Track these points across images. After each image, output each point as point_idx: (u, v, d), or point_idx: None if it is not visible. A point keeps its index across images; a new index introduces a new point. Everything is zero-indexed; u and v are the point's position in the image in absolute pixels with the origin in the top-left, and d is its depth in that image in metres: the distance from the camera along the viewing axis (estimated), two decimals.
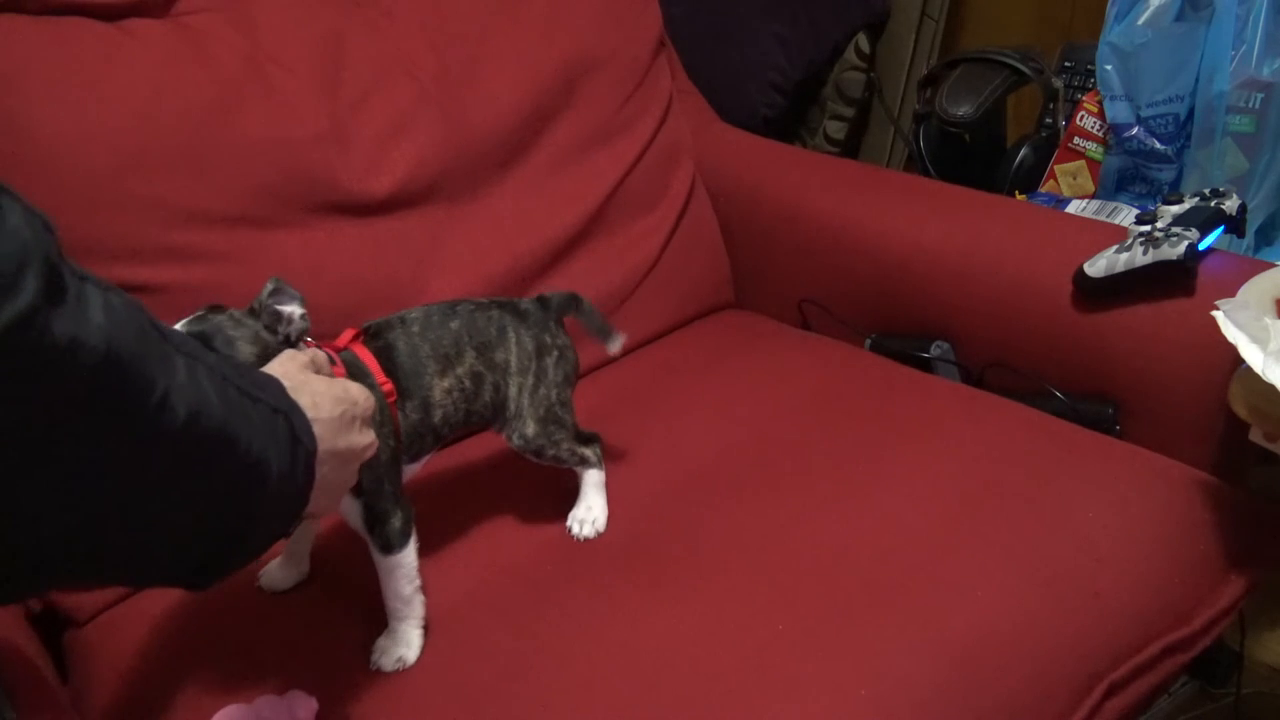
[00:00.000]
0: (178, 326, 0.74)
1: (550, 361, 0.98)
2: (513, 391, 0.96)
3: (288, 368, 0.71)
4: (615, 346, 1.05)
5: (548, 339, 0.99)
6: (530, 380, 0.97)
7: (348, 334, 0.88)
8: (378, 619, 0.89)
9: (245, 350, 0.74)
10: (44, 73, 1.00)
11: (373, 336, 0.89)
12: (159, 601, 0.95)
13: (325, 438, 0.66)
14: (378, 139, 1.17)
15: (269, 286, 0.78)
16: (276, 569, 0.96)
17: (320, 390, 0.68)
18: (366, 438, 0.73)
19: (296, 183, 1.10)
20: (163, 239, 1.03)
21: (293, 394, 0.64)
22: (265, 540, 0.62)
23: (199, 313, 0.75)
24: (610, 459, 1.04)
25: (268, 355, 0.74)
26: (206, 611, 0.93)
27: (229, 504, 0.57)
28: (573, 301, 1.03)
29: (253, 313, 0.77)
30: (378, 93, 1.18)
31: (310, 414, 0.64)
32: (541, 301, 1.01)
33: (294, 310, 0.78)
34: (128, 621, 0.95)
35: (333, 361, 0.82)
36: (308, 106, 1.13)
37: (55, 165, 0.99)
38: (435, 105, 1.22)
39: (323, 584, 0.97)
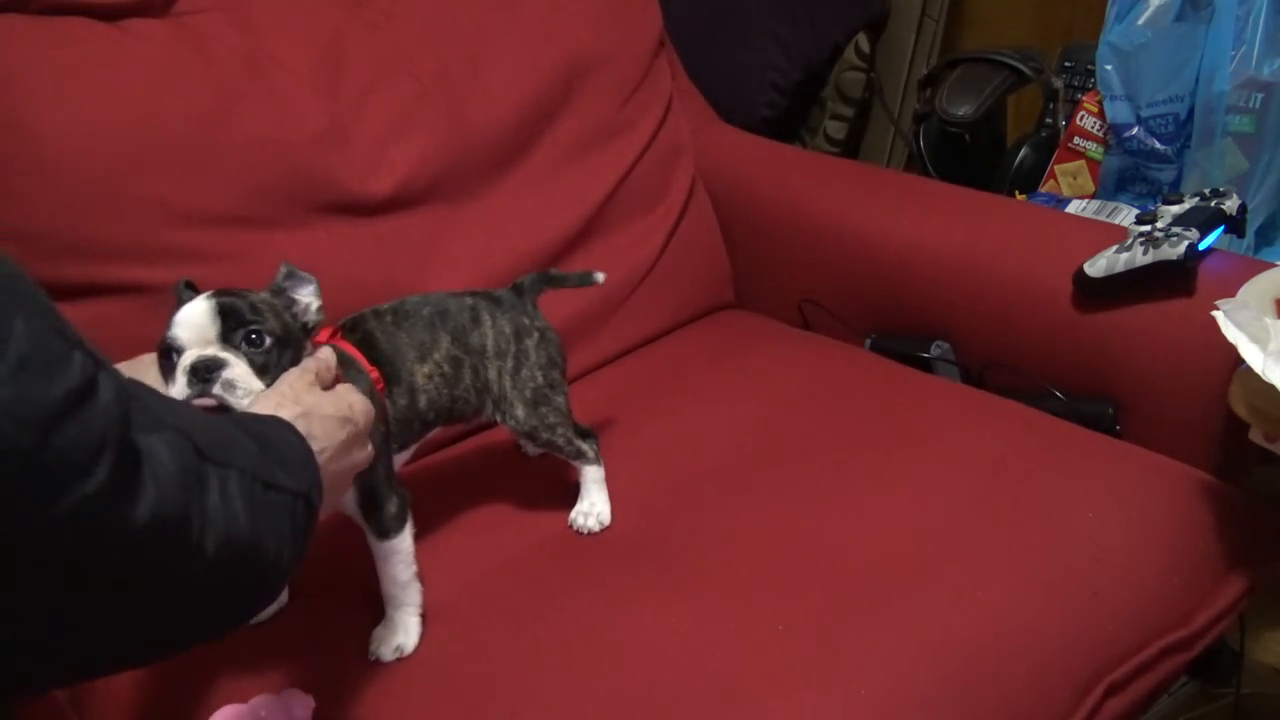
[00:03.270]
0: (204, 297, 0.76)
1: (531, 344, 0.99)
2: (492, 375, 0.97)
3: (297, 389, 0.72)
4: (599, 277, 1.04)
5: (526, 321, 0.99)
6: (510, 363, 0.97)
7: (325, 332, 0.88)
8: (374, 614, 0.89)
9: (272, 324, 0.76)
10: (44, 73, 1.00)
11: (350, 330, 0.91)
12: None
13: (332, 461, 0.69)
14: (378, 139, 1.17)
15: (283, 271, 0.80)
16: None
17: (328, 414, 0.70)
18: (365, 452, 0.75)
19: (296, 183, 1.10)
20: (163, 239, 1.03)
21: (303, 421, 0.67)
22: (266, 604, 0.64)
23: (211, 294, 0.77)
24: (610, 458, 1.04)
25: (290, 337, 0.77)
26: None
27: (245, 598, 0.60)
28: (544, 279, 1.03)
29: (275, 293, 0.80)
30: (378, 93, 1.18)
31: (321, 443, 0.67)
32: (515, 288, 1.02)
33: (310, 301, 0.81)
34: None
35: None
36: (308, 106, 1.13)
37: (55, 165, 0.99)
38: (435, 105, 1.22)
39: (319, 580, 0.97)
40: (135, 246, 1.02)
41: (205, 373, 0.72)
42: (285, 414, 0.68)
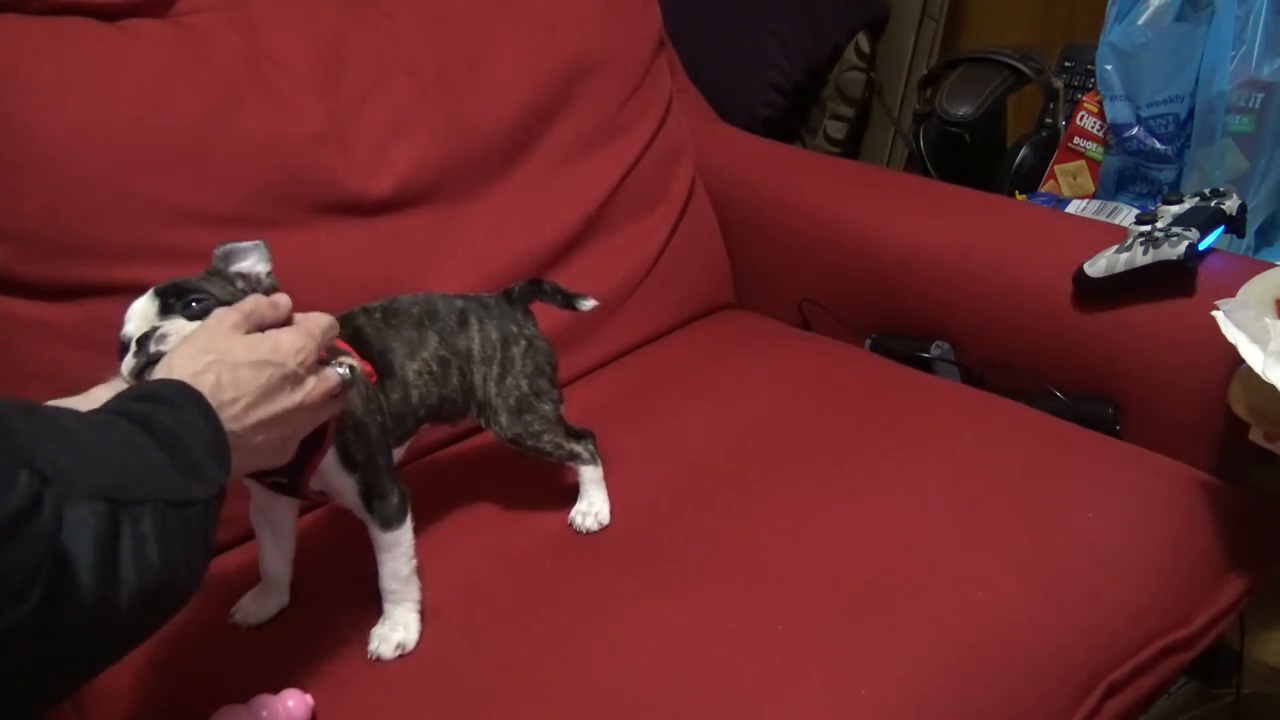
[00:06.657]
0: (149, 296, 0.77)
1: (518, 351, 0.98)
2: (478, 380, 0.97)
3: (213, 334, 0.71)
4: (587, 305, 1.02)
5: (514, 329, 0.99)
6: (496, 370, 0.97)
7: None
8: (374, 612, 0.89)
9: (215, 291, 0.78)
10: (44, 73, 1.00)
11: (340, 325, 0.90)
12: None
13: (252, 409, 0.68)
14: (378, 139, 1.17)
15: (218, 252, 0.81)
16: (250, 602, 0.94)
17: (241, 359, 0.68)
18: (299, 393, 0.72)
19: (296, 183, 1.10)
20: (163, 239, 1.03)
21: (212, 370, 0.67)
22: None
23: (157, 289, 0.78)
24: (609, 458, 1.04)
25: (237, 302, 0.77)
26: (203, 612, 0.93)
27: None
28: (535, 287, 1.02)
29: (213, 274, 0.81)
30: (378, 92, 1.18)
31: (232, 393, 0.67)
32: (506, 294, 1.01)
33: (259, 269, 0.81)
34: None
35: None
36: (308, 106, 1.13)
37: (55, 165, 0.98)
38: (435, 105, 1.22)
39: (319, 580, 0.97)
40: (135, 246, 1.02)
41: (145, 341, 0.74)
42: (193, 366, 0.67)
